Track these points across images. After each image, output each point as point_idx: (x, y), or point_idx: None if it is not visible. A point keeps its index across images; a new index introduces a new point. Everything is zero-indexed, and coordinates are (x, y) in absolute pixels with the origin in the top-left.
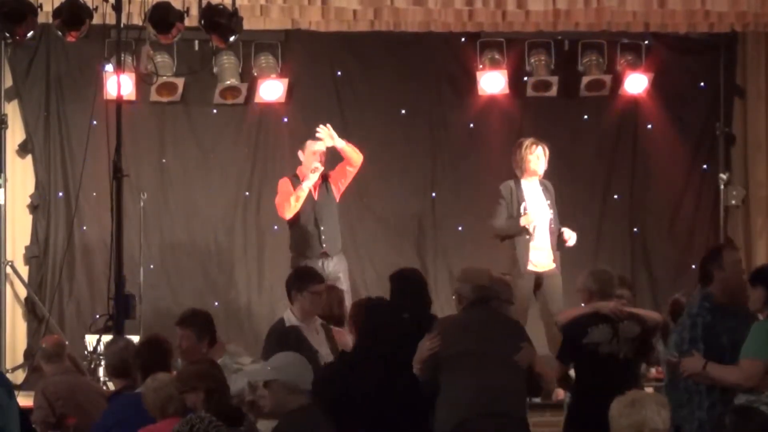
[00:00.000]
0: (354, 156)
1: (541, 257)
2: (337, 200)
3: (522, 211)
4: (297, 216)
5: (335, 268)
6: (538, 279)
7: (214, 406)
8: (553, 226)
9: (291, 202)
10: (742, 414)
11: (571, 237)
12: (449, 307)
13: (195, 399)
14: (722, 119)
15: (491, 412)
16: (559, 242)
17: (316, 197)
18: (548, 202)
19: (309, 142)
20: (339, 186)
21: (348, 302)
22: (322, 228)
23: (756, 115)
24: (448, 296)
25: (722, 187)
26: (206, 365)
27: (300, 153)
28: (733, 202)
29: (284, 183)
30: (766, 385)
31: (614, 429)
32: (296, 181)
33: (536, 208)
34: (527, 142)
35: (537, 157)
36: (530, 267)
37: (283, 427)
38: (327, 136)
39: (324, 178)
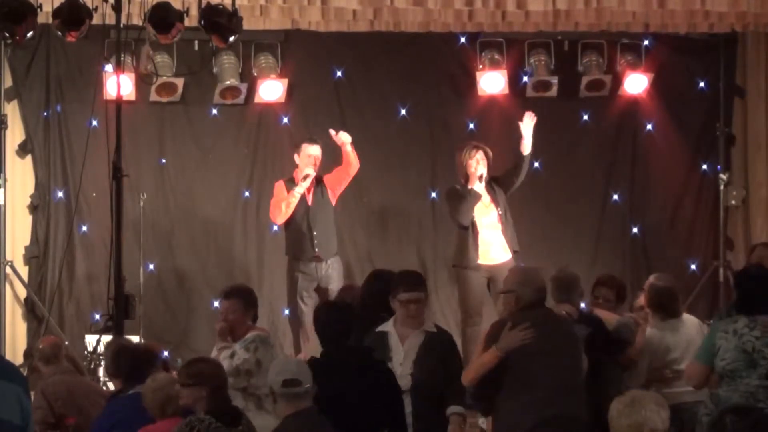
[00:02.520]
0: (354, 161)
1: (490, 253)
2: (333, 203)
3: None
4: (290, 220)
5: (328, 271)
6: (491, 274)
7: (215, 405)
8: (503, 221)
9: (282, 208)
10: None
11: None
12: (449, 308)
13: (196, 395)
14: (722, 119)
15: (551, 414)
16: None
17: (309, 201)
18: (492, 200)
19: (304, 145)
20: (335, 190)
21: None
22: (315, 232)
23: (756, 115)
24: (447, 296)
25: (722, 187)
26: (213, 365)
27: (296, 156)
28: (733, 202)
29: (278, 187)
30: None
31: (614, 429)
32: (291, 185)
33: (480, 206)
34: (467, 146)
35: (476, 162)
36: (481, 261)
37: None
38: (340, 136)
39: (318, 181)
